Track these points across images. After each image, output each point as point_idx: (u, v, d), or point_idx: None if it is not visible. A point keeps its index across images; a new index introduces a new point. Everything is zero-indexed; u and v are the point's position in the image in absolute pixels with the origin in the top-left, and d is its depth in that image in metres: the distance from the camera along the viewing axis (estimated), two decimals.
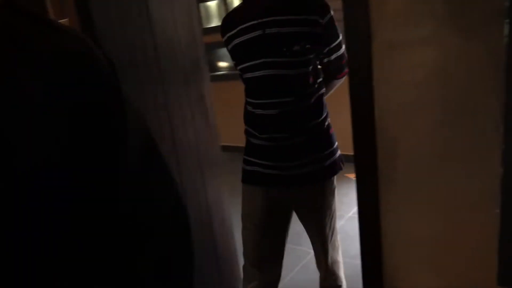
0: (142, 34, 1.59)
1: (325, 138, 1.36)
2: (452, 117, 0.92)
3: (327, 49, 1.32)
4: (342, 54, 1.33)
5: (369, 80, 0.99)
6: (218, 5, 4.51)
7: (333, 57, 1.34)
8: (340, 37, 1.29)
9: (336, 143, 1.39)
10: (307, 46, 1.22)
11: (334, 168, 1.38)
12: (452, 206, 0.97)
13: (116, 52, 1.50)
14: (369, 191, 1.06)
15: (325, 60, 1.35)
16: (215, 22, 4.48)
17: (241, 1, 1.33)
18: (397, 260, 1.09)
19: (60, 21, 1.59)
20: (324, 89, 1.37)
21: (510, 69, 0.78)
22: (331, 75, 1.41)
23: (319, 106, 1.33)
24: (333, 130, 1.39)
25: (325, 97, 1.35)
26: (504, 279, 0.86)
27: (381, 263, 1.10)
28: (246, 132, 1.40)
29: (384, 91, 0.98)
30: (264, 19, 1.23)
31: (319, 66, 1.33)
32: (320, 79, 1.35)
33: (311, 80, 1.28)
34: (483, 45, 0.83)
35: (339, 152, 1.40)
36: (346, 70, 1.35)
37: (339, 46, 1.34)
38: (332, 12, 1.25)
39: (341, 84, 1.41)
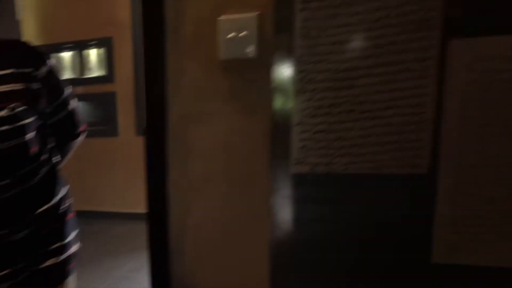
0: None
1: (58, 228, 1.03)
2: (235, 188, 0.97)
3: (51, 107, 1.03)
4: (73, 109, 1.10)
5: (163, 151, 0.99)
6: (73, 57, 4.43)
7: (62, 114, 1.07)
8: (68, 90, 1.08)
9: (75, 233, 1.09)
10: (21, 108, 0.92)
11: (64, 271, 1.04)
12: (235, 274, 1.01)
13: None
14: (160, 263, 1.03)
15: (53, 120, 1.05)
16: (68, 74, 4.39)
17: None
18: None
19: None
20: (58, 157, 1.08)
21: (274, 149, 0.89)
22: (64, 137, 1.12)
23: (51, 183, 1.03)
24: (73, 215, 1.10)
25: (60, 166, 1.08)
26: None
27: None
28: None
29: (178, 163, 1.00)
30: None
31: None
32: (51, 146, 1.05)
33: (33, 150, 0.97)
34: (259, 123, 0.92)
35: (75, 247, 1.09)
36: (83, 126, 1.15)
37: (67, 101, 1.08)
38: (51, 62, 1.02)
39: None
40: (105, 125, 4.49)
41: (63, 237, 1.03)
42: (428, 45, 0.73)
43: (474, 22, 0.71)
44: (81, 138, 1.17)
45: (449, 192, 0.78)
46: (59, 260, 1.01)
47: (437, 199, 0.79)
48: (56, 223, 1.02)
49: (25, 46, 0.98)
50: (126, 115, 4.30)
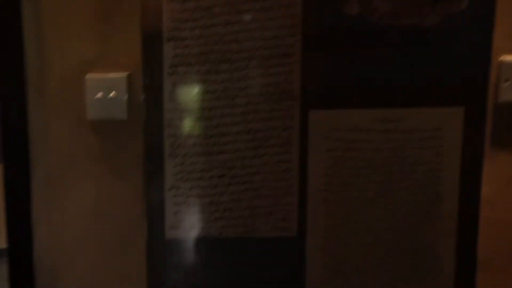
0: None
1: None
2: (109, 255, 0.91)
3: None
4: None
5: (28, 217, 0.90)
6: None
7: None
8: None
9: None
10: None
11: None
12: None
13: None
14: None
15: None
16: None
17: None
18: None
19: None
20: None
21: (148, 214, 0.84)
22: None
23: None
24: None
25: None
26: None
27: None
28: None
29: (45, 231, 0.92)
30: None
31: None
32: None
33: None
34: (131, 186, 0.88)
35: None
36: None
37: None
38: None
39: None
40: None
41: None
42: (290, 115, 0.76)
43: (329, 96, 0.76)
44: None
45: (317, 253, 0.80)
46: None
47: (307, 260, 0.81)
48: None
49: None
50: None
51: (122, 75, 0.83)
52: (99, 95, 0.84)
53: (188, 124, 0.81)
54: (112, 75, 0.84)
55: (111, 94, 0.84)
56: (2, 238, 0.96)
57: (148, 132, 0.83)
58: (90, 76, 0.85)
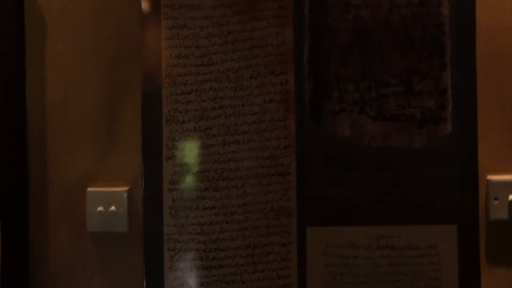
0: None
1: None
2: None
3: None
4: None
5: None
6: None
7: None
8: None
9: None
10: None
11: None
12: None
13: None
14: None
15: None
16: None
17: None
18: None
19: None
20: None
21: None
22: None
23: None
24: None
25: None
26: None
27: None
28: None
29: None
30: None
31: None
32: None
33: None
34: None
35: None
36: None
37: None
38: None
39: None
40: None
41: None
42: (287, 231, 0.77)
43: (326, 213, 0.78)
44: None
45: None
46: None
47: None
48: None
49: None
50: None
51: (122, 189, 0.86)
52: (100, 208, 0.86)
53: (187, 238, 0.82)
54: (113, 189, 0.86)
55: (112, 208, 0.85)
56: None
57: (148, 245, 0.84)
58: (91, 189, 0.87)
